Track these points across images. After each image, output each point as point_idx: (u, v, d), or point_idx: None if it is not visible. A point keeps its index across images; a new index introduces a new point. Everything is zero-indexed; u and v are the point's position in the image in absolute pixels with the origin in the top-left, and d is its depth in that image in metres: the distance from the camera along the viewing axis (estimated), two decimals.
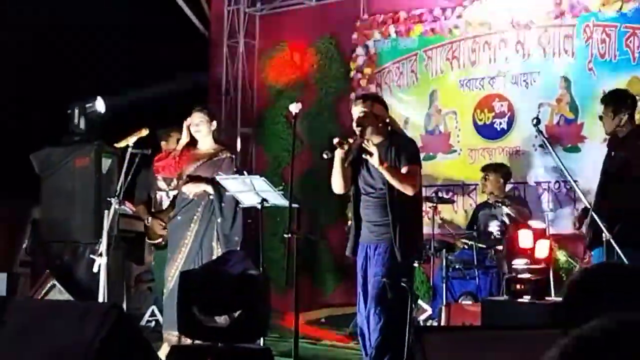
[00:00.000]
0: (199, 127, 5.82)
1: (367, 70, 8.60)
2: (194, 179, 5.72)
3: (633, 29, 7.10)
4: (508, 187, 7.23)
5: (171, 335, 5.46)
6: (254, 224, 6.58)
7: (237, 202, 5.72)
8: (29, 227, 7.82)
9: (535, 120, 4.95)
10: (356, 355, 6.37)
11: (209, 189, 5.67)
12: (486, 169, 7.17)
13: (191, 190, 5.69)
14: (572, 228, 6.52)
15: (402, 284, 4.60)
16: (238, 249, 5.58)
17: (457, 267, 6.70)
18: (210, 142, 5.88)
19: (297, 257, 4.84)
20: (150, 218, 6.87)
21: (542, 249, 4.30)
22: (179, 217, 5.74)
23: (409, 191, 4.75)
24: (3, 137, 8.13)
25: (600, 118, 5.43)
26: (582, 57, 7.36)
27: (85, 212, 6.98)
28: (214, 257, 5.47)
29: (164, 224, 6.58)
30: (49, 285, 6.39)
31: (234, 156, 5.95)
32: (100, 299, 4.86)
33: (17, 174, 7.58)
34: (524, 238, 4.49)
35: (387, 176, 4.73)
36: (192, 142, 5.90)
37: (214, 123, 5.90)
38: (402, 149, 4.87)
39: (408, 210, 4.83)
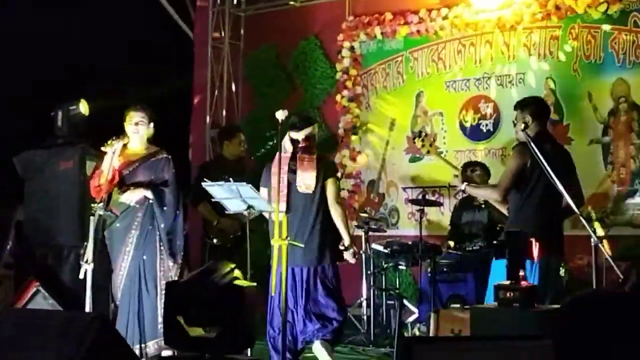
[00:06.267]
0: (138, 128, 5.50)
1: (353, 72, 8.57)
2: (132, 185, 5.44)
3: (618, 30, 7.10)
4: None
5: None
6: (241, 231, 6.50)
7: (178, 206, 5.48)
8: (12, 229, 7.73)
9: (523, 125, 4.93)
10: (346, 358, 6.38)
11: (149, 193, 5.41)
12: (473, 164, 7.08)
13: (130, 198, 5.42)
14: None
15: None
16: (182, 253, 5.44)
17: (444, 270, 6.67)
18: (143, 142, 5.57)
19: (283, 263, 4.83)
20: (220, 218, 6.53)
21: None
22: (117, 224, 5.45)
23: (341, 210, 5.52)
24: None
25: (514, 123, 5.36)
26: (567, 59, 7.36)
27: (69, 215, 6.92)
28: (159, 263, 5.34)
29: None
30: (32, 290, 6.32)
31: (170, 157, 5.61)
32: (87, 307, 4.79)
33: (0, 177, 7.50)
34: None
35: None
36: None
37: (152, 125, 5.57)
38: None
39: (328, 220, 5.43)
